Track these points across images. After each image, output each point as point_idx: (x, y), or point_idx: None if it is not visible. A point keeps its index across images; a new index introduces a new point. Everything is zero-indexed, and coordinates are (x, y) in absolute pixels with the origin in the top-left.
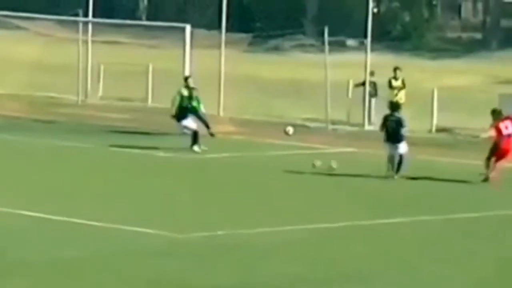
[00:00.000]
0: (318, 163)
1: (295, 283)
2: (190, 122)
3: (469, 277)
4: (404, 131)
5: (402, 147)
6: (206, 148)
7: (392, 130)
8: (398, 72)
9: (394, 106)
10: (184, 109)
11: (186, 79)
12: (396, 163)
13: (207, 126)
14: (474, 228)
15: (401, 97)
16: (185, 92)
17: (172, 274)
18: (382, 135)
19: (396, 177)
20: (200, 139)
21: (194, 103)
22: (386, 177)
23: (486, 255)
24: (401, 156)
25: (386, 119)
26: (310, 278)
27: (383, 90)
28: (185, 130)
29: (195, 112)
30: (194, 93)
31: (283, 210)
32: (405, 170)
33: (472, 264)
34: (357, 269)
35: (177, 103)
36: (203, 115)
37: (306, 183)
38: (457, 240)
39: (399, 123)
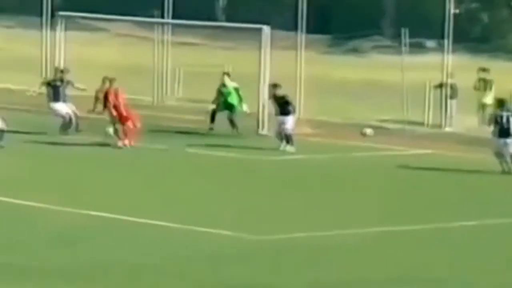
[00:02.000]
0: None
1: (372, 284)
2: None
3: None
4: None
5: None
6: (292, 150)
7: (507, 125)
8: (485, 72)
9: (502, 102)
10: (284, 104)
11: (225, 75)
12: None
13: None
14: None
15: (490, 97)
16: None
17: (243, 277)
18: (464, 137)
19: None
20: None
21: (233, 100)
22: (503, 173)
23: None
24: None
25: (498, 115)
26: (380, 280)
27: (463, 92)
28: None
29: (231, 109)
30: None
31: (361, 211)
32: None
33: None
34: (431, 272)
35: (219, 97)
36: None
37: (383, 185)
38: None
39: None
